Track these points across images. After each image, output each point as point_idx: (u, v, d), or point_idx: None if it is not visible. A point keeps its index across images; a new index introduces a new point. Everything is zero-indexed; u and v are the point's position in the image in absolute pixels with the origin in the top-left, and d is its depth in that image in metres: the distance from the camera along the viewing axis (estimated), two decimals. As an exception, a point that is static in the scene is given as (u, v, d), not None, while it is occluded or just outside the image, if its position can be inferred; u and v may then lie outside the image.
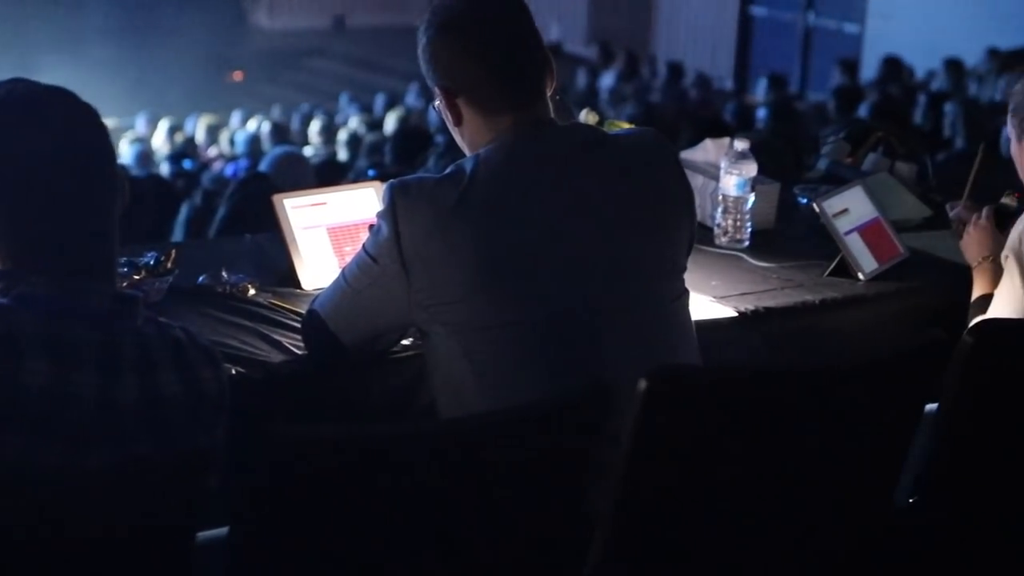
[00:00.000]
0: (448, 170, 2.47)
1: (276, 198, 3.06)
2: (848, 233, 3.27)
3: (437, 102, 2.57)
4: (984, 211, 3.28)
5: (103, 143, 2.12)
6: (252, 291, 2.93)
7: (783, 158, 5.34)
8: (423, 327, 2.47)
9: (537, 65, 2.52)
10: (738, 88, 16.95)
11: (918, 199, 3.73)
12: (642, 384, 2.12)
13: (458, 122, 2.54)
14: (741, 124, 9.61)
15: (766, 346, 3.04)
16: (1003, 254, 3.04)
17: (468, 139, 2.55)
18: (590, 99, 12.94)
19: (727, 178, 3.38)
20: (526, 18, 2.54)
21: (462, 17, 2.50)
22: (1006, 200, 3.35)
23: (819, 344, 3.13)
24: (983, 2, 14.59)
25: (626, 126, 3.50)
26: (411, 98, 14.03)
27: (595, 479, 2.20)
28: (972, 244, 3.25)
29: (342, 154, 10.81)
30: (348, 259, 2.56)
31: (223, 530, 2.04)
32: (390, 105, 13.54)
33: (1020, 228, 3.02)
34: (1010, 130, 3.18)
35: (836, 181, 3.66)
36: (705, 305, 3.00)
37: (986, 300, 3.08)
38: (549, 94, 2.55)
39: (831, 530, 2.42)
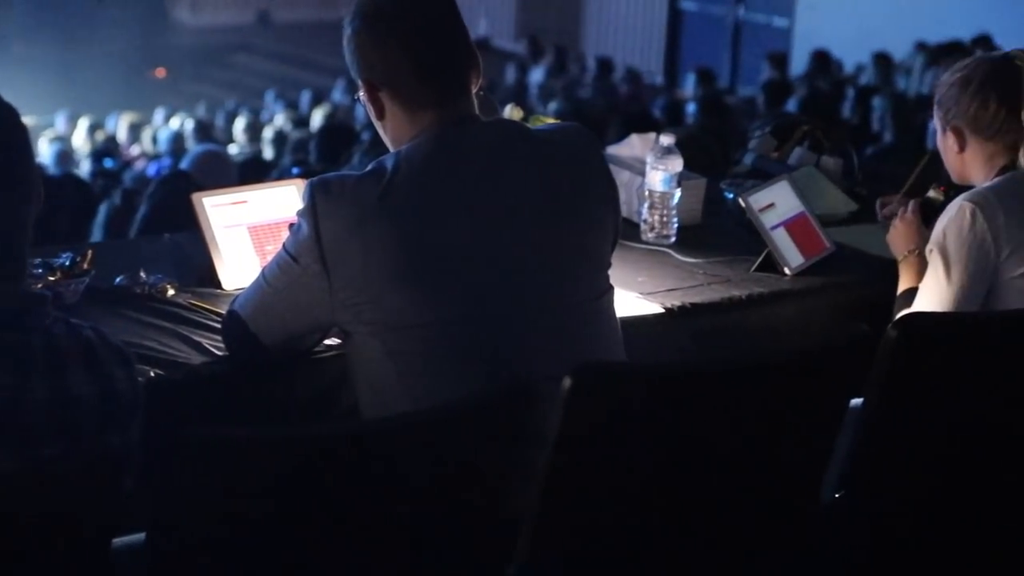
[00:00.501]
0: (369, 167, 2.44)
1: (195, 197, 3.02)
2: (774, 228, 3.27)
3: (361, 94, 2.54)
4: (910, 205, 3.29)
5: (18, 143, 2.07)
6: (171, 291, 2.88)
7: (712, 153, 5.36)
8: (345, 327, 2.44)
9: (462, 61, 2.50)
10: (668, 83, 17.00)
11: (844, 193, 3.73)
12: (566, 382, 2.10)
13: (381, 116, 2.52)
14: (671, 119, 9.63)
15: (693, 342, 3.04)
16: (928, 248, 3.05)
17: (391, 134, 2.53)
18: (519, 94, 12.93)
19: (653, 174, 3.36)
20: (453, 13, 2.52)
21: (388, 9, 2.48)
22: (932, 194, 3.36)
23: (746, 340, 3.12)
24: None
25: (551, 121, 3.49)
26: (338, 94, 13.94)
27: (520, 478, 2.17)
28: (898, 238, 3.25)
29: (268, 152, 10.74)
30: (270, 258, 2.52)
31: (141, 536, 2.01)
32: (316, 102, 13.46)
33: (944, 222, 3.02)
34: (936, 123, 3.19)
35: (762, 176, 3.66)
36: (631, 301, 2.99)
37: (912, 294, 3.09)
38: (475, 91, 2.53)
39: (758, 526, 2.42)
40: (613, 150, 3.67)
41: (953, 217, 3.00)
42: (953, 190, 3.25)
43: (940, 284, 2.97)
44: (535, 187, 2.46)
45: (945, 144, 3.17)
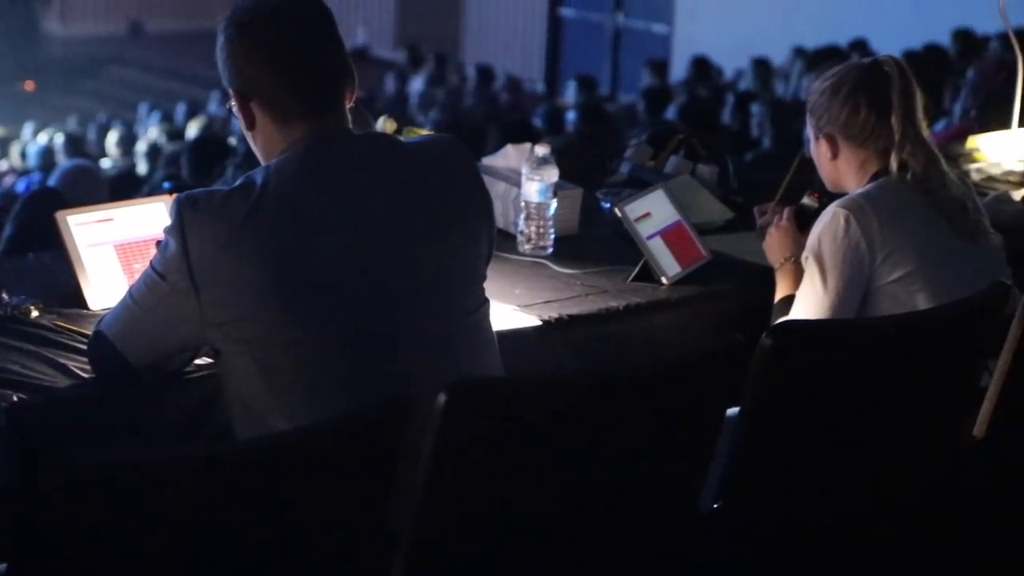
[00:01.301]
0: (238, 182, 2.40)
1: (59, 215, 2.95)
2: (651, 237, 3.26)
3: (232, 104, 2.50)
4: (785, 212, 3.31)
5: None
6: (35, 313, 2.81)
7: (590, 161, 5.34)
8: (216, 345, 2.40)
9: (335, 73, 2.47)
10: (549, 91, 17.04)
11: (720, 201, 3.74)
12: (441, 397, 2.08)
13: (251, 127, 2.48)
14: (551, 127, 9.63)
15: (571, 354, 3.02)
16: (803, 255, 3.06)
17: (261, 146, 2.50)
18: (399, 104, 12.88)
19: (529, 184, 3.35)
20: (327, 25, 2.49)
21: (260, 19, 2.45)
22: (807, 201, 3.37)
23: (624, 350, 3.12)
24: (788, 1, 14.88)
25: (425, 133, 3.46)
26: (213, 106, 13.78)
27: (398, 494, 2.15)
28: (774, 246, 3.26)
29: (141, 166, 10.59)
30: (137, 276, 2.47)
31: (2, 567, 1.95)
32: (192, 114, 13.28)
33: (819, 229, 3.04)
34: (808, 131, 3.21)
35: (639, 185, 3.66)
36: (508, 314, 2.97)
37: (788, 301, 3.10)
38: (349, 105, 2.50)
39: (637, 536, 2.41)
40: (488, 161, 3.65)
41: (827, 224, 3.01)
42: (827, 197, 3.27)
43: (816, 291, 2.99)
44: (407, 200, 2.43)
45: (818, 151, 3.19)
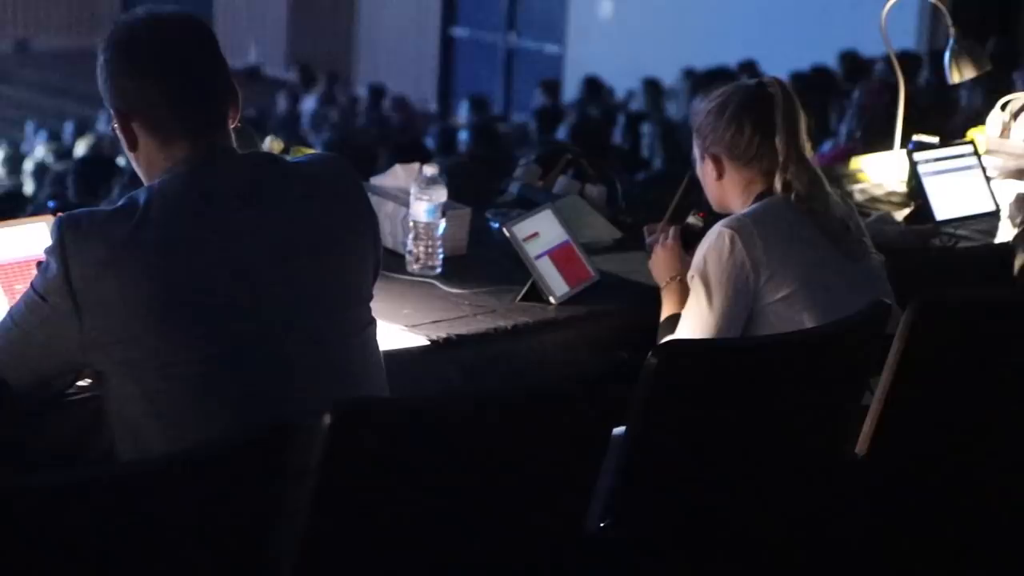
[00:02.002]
0: (120, 202, 2.38)
1: (-63, 237, 2.90)
2: (539, 257, 3.27)
3: (114, 123, 2.47)
4: (671, 231, 3.33)
5: None
6: (-86, 334, 2.75)
7: (482, 181, 5.36)
8: (98, 367, 2.37)
9: (218, 93, 2.45)
10: (442, 110, 17.06)
11: (608, 221, 3.76)
12: (327, 418, 2.07)
13: (133, 147, 2.46)
14: (443, 147, 9.64)
15: (459, 374, 3.02)
16: (689, 274, 3.08)
17: (144, 166, 2.47)
18: (291, 123, 12.81)
19: (417, 204, 3.34)
20: (209, 44, 2.47)
21: (142, 39, 2.42)
22: (692, 220, 3.40)
23: (513, 370, 3.12)
24: (679, 22, 15.01)
25: (311, 151, 3.45)
26: (102, 124, 13.60)
27: (283, 517, 2.13)
28: (659, 265, 3.28)
29: (28, 186, 10.43)
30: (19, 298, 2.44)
31: None
32: (80, 132, 13.09)
33: (704, 249, 3.06)
34: (695, 151, 3.23)
35: (528, 205, 3.67)
36: (396, 334, 2.96)
37: (674, 320, 3.12)
38: (233, 124, 2.48)
39: (523, 557, 2.41)
40: (377, 180, 3.64)
41: (713, 244, 3.04)
42: (712, 216, 3.30)
43: (702, 310, 3.01)
44: (291, 221, 2.42)
45: (704, 171, 3.21)
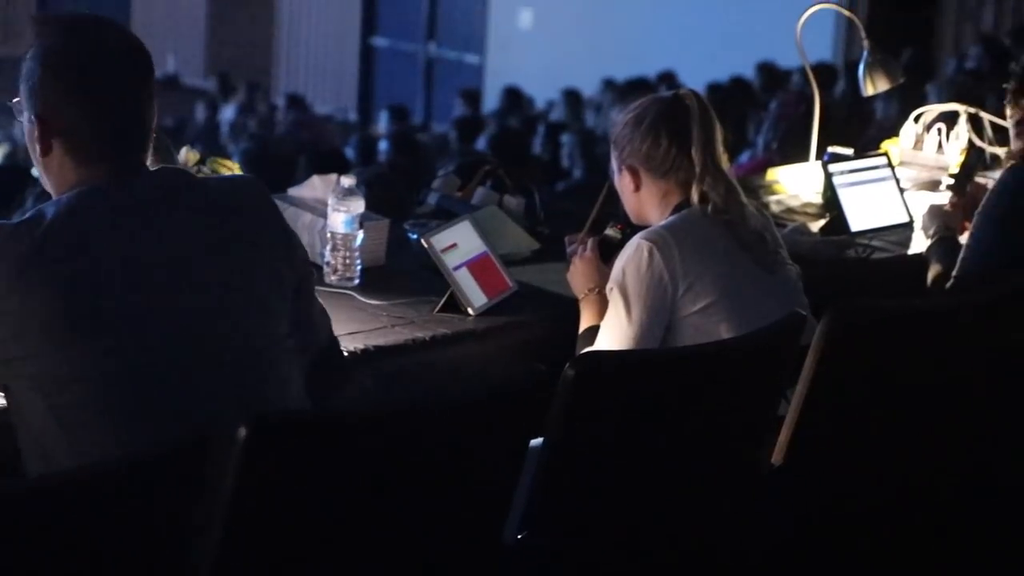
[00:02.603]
0: (27, 215, 2.34)
1: None
2: (457, 268, 3.26)
3: (25, 124, 2.43)
4: (589, 243, 3.33)
5: None
6: None
7: (400, 192, 5.34)
8: (4, 382, 2.33)
9: (146, 121, 2.43)
10: (362, 120, 17.01)
11: (527, 232, 3.76)
12: (242, 432, 2.05)
13: (46, 153, 2.41)
14: (363, 157, 9.61)
15: (377, 386, 3.01)
16: (608, 287, 3.09)
17: (54, 177, 2.42)
18: (210, 132, 12.72)
19: (335, 215, 3.33)
20: (144, 69, 2.44)
21: (76, 56, 2.38)
22: (610, 232, 3.40)
23: (431, 381, 3.12)
24: (599, 32, 15.08)
25: (229, 164, 3.43)
26: (19, 132, 13.46)
27: (198, 532, 2.12)
28: (577, 276, 3.29)
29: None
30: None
31: None
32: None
33: (623, 261, 3.07)
34: (613, 163, 3.24)
35: (446, 216, 3.67)
36: (313, 346, 2.94)
37: (593, 332, 3.13)
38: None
39: (442, 569, 2.40)
40: (294, 192, 3.63)
41: (631, 256, 3.05)
42: (630, 228, 3.31)
43: (621, 323, 3.02)
44: (202, 238, 2.40)
45: (622, 183, 3.22)
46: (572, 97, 12.01)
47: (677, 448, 2.65)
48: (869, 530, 3.03)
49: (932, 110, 4.71)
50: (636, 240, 3.08)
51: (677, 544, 2.76)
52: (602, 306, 3.16)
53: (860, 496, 2.97)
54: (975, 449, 3.14)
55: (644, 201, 3.20)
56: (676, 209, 3.15)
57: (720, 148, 3.16)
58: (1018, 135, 3.53)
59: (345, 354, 2.95)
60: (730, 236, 3.11)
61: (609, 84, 12.03)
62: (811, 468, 2.87)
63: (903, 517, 3.08)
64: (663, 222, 3.13)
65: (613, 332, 3.04)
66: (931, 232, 3.74)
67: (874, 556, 3.07)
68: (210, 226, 2.42)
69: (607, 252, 3.30)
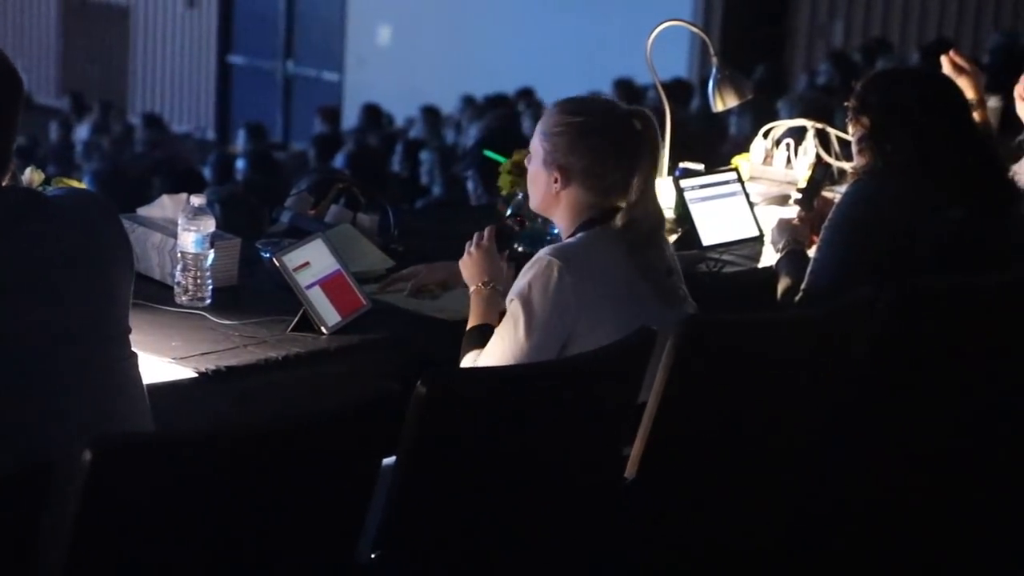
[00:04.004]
0: None
1: None
2: (310, 287, 3.24)
3: None
4: (486, 231, 3.26)
5: None
6: None
7: (256, 210, 5.31)
8: None
9: (9, 144, 2.41)
10: (220, 138, 16.87)
11: (380, 250, 3.75)
12: (86, 455, 2.02)
13: None
14: (221, 176, 9.53)
15: (230, 406, 2.98)
16: (509, 297, 3.03)
17: None
18: (65, 152, 12.52)
19: (185, 235, 3.29)
20: (14, 92, 2.42)
21: None
22: (508, 223, 3.35)
23: (285, 401, 3.09)
24: (458, 49, 15.12)
25: (75, 183, 3.38)
26: None
27: (41, 556, 2.09)
28: (472, 266, 3.22)
29: None
30: None
31: None
32: None
33: (530, 275, 3.01)
34: (537, 147, 3.15)
35: (299, 234, 3.64)
36: (164, 367, 2.91)
37: (481, 332, 3.09)
38: None
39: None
40: (144, 211, 3.58)
41: (539, 273, 3.00)
42: (530, 222, 3.24)
43: (518, 338, 2.97)
44: (45, 255, 2.38)
45: (542, 177, 3.14)
46: (431, 114, 12.01)
47: (530, 464, 2.66)
48: (723, 540, 3.06)
49: (780, 125, 4.79)
50: (545, 256, 3.02)
51: (532, 561, 2.77)
52: (493, 303, 3.12)
53: (713, 508, 3.00)
54: (824, 456, 3.19)
55: (561, 201, 3.13)
56: (588, 223, 3.10)
57: (657, 174, 3.13)
58: (860, 150, 3.59)
59: (197, 375, 2.93)
60: (637, 266, 3.06)
61: (468, 101, 12.06)
62: (664, 482, 2.89)
63: (755, 528, 3.12)
64: (573, 240, 3.08)
65: (507, 346, 2.98)
66: (780, 246, 3.79)
67: (728, 567, 3.11)
68: (57, 242, 2.40)
69: (503, 243, 3.26)
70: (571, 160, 3.11)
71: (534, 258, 3.05)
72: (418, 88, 14.01)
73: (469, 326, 3.17)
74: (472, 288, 3.21)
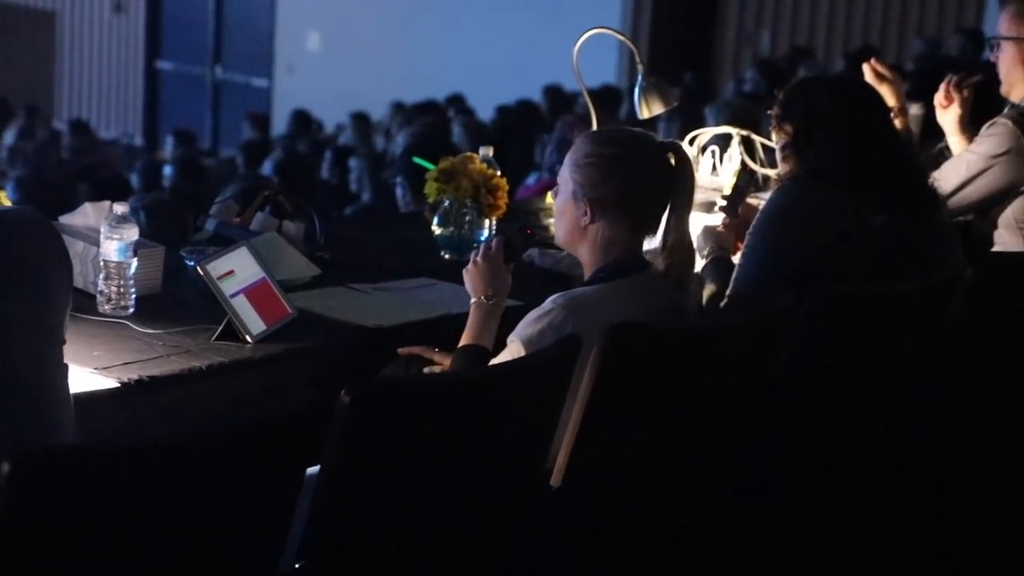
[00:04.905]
0: None
1: None
2: (234, 295, 3.22)
3: None
4: (494, 242, 3.21)
5: None
6: None
7: (182, 218, 5.28)
8: None
9: None
10: (149, 145, 16.76)
11: (306, 258, 3.74)
12: (5, 468, 2.00)
13: None
14: (148, 183, 9.47)
15: (154, 417, 2.96)
16: (512, 336, 2.99)
17: None
18: (-10, 158, 12.42)
19: (108, 243, 3.27)
20: None
21: None
22: (517, 235, 3.28)
23: (210, 411, 3.07)
24: (388, 55, 15.11)
25: (3, 196, 3.36)
26: None
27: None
28: (476, 276, 3.16)
29: None
30: None
31: None
32: None
33: (535, 317, 2.95)
34: (568, 185, 3.09)
35: (224, 242, 3.62)
36: (86, 377, 2.89)
37: (474, 356, 3.04)
38: None
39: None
40: (66, 219, 3.55)
41: (547, 319, 2.97)
42: (537, 234, 3.20)
43: None
44: None
45: (572, 209, 3.08)
46: (361, 120, 11.99)
47: (455, 474, 2.66)
48: (646, 548, 3.07)
49: (706, 133, 4.82)
50: (557, 303, 2.97)
51: (456, 571, 2.77)
52: (493, 318, 3.08)
53: (637, 516, 3.01)
54: (748, 461, 3.21)
55: (587, 235, 3.08)
56: (616, 268, 3.05)
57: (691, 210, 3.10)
58: (784, 158, 3.62)
59: (120, 385, 2.91)
60: (652, 309, 3.01)
61: (398, 107, 12.04)
62: (590, 490, 2.90)
63: (680, 535, 3.13)
64: (590, 289, 3.04)
65: None
66: (705, 252, 3.82)
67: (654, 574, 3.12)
68: None
69: (510, 255, 3.21)
70: (603, 192, 3.06)
71: (545, 304, 3.00)
72: (348, 94, 13.99)
73: (463, 342, 3.13)
74: (473, 300, 3.16)
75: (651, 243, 3.13)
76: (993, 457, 3.83)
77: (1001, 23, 4.28)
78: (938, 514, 3.74)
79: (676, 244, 3.07)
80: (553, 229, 3.30)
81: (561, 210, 3.14)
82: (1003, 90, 4.31)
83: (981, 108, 4.50)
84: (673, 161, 3.08)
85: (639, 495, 2.99)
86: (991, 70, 4.34)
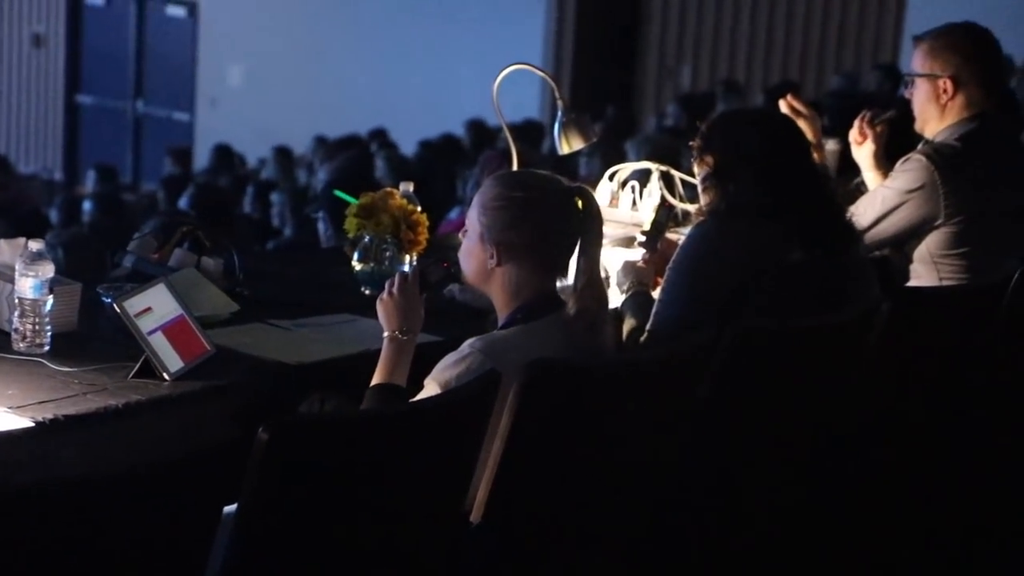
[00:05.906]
0: None
1: None
2: (152, 332, 3.19)
3: None
4: (410, 274, 3.19)
5: None
6: None
7: (100, 254, 5.24)
8: None
9: None
10: (69, 180, 16.62)
11: (225, 294, 3.72)
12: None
13: None
14: (68, 218, 9.39)
15: (70, 456, 2.92)
16: (428, 378, 2.97)
17: None
18: (-96, 194, 12.25)
19: (23, 280, 3.23)
20: None
21: None
22: (433, 269, 3.26)
23: (127, 450, 3.02)
24: (311, 90, 15.10)
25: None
26: None
27: None
28: (391, 309, 3.12)
29: None
30: None
31: None
32: None
33: (450, 362, 2.94)
34: (475, 225, 3.10)
35: (142, 278, 3.59)
36: (0, 416, 2.85)
37: (386, 394, 3.01)
38: None
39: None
40: (-21, 257, 3.51)
41: (462, 364, 2.97)
42: (455, 268, 3.19)
43: None
44: None
45: (475, 250, 3.09)
46: (283, 155, 11.95)
47: (373, 511, 2.64)
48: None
49: (626, 168, 4.84)
50: (475, 347, 2.96)
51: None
52: (405, 356, 3.05)
53: (558, 551, 3.01)
54: (666, 496, 3.22)
55: (495, 278, 3.09)
56: (528, 311, 3.05)
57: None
58: (704, 189, 3.64)
59: (34, 424, 2.87)
60: (570, 348, 3.01)
61: (320, 141, 12.02)
62: (509, 525, 2.90)
63: (601, 572, 3.13)
64: (506, 333, 3.03)
65: None
66: (625, 287, 3.83)
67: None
68: None
69: (425, 287, 3.19)
70: (511, 236, 3.06)
71: (462, 348, 3.00)
72: (270, 129, 13.95)
73: (375, 381, 3.11)
74: (386, 334, 3.13)
75: (564, 283, 3.14)
76: (910, 489, 3.86)
77: (915, 60, 4.33)
78: (857, 550, 3.77)
79: (587, 287, 3.08)
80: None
81: (468, 251, 3.15)
82: (917, 126, 4.36)
83: (897, 143, 4.55)
84: (581, 205, 3.09)
85: (560, 531, 2.99)
86: (907, 106, 4.38)
